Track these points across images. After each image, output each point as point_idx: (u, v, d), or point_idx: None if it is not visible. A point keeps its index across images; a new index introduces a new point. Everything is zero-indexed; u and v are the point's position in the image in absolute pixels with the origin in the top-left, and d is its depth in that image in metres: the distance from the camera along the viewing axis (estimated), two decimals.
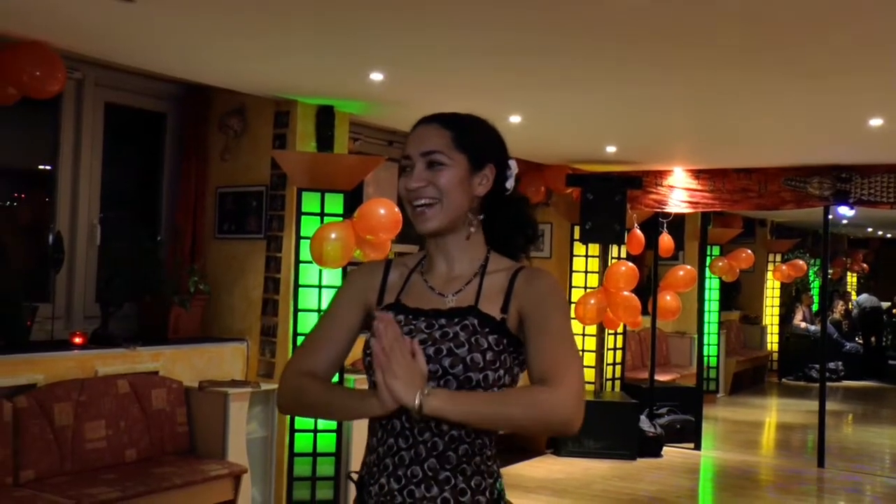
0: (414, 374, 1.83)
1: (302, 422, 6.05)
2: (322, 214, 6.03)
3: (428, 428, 1.95)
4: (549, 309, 2.01)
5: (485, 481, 1.99)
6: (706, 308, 10.45)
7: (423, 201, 2.06)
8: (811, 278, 16.52)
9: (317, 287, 6.07)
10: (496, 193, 2.13)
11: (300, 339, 6.02)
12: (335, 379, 2.20)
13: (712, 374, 12.28)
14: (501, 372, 1.99)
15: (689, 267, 9.82)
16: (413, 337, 1.98)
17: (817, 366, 12.50)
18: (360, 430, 6.23)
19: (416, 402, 1.80)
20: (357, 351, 2.25)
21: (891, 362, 15.97)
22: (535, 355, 1.97)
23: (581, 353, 9.18)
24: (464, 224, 2.11)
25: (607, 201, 8.51)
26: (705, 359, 11.09)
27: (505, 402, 1.91)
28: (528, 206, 2.21)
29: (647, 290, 9.82)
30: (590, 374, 9.29)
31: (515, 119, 6.62)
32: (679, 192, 9.11)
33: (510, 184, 2.14)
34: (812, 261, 16.06)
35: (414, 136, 2.13)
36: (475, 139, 2.10)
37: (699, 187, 9.01)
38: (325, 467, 6.11)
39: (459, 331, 1.99)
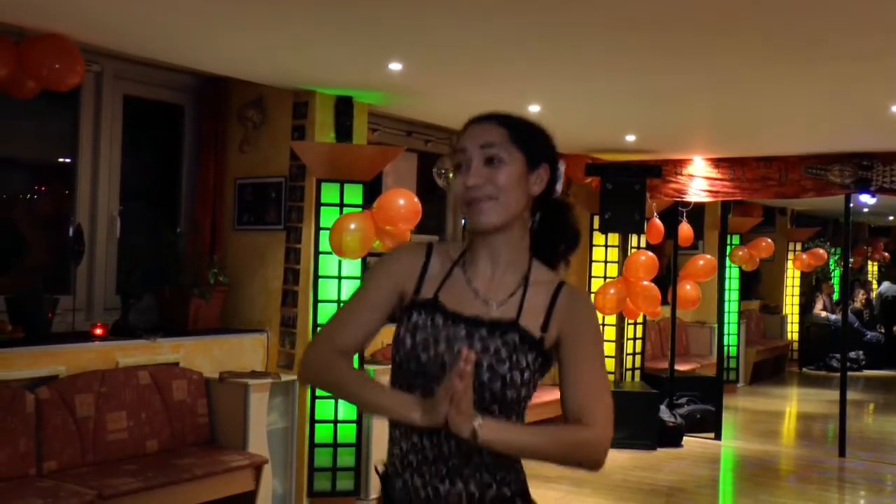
0: (470, 407, 1.83)
1: (322, 412, 6.07)
2: (341, 205, 6.03)
3: None
4: (590, 338, 2.04)
5: (509, 475, 1.99)
6: (726, 297, 10.41)
7: (480, 198, 2.00)
8: (832, 267, 16.42)
9: (336, 278, 6.07)
10: (543, 196, 2.09)
11: (320, 331, 6.02)
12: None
13: (732, 363, 12.22)
14: (531, 388, 1.99)
15: (708, 256, 9.76)
16: (452, 345, 1.96)
17: (838, 355, 12.47)
18: (380, 422, 6.23)
19: (471, 434, 1.83)
20: (376, 342, 2.26)
21: None
22: (572, 385, 2.00)
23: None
24: (519, 224, 2.06)
25: (627, 191, 8.47)
26: (725, 348, 11.02)
27: (550, 441, 1.96)
28: (573, 213, 2.17)
29: (666, 279, 9.79)
30: (610, 364, 9.27)
31: (535, 108, 6.59)
32: (699, 181, 9.06)
33: (559, 186, 2.12)
34: (832, 249, 15.96)
35: (469, 132, 2.06)
36: (530, 137, 2.06)
37: (719, 176, 8.96)
38: (346, 458, 6.12)
39: (501, 346, 1.96)
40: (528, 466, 2.07)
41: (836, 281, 16.37)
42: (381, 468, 2.11)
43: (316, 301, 6.08)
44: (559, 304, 2.03)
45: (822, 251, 14.41)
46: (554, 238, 2.12)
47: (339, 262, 6.02)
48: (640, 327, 9.52)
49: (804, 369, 14.94)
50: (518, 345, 1.96)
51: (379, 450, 5.77)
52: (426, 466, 1.95)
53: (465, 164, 2.02)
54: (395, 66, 5.48)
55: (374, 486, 6.22)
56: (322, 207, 6.05)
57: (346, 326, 2.12)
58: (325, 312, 6.04)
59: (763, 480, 7.78)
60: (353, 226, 5.65)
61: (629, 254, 8.95)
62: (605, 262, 9.24)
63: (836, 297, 15.97)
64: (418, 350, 1.97)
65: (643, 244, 9.17)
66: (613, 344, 9.33)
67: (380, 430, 6.23)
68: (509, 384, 1.93)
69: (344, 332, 2.11)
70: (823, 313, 15.69)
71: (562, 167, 2.14)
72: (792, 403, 12.57)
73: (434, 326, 1.99)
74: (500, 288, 2.05)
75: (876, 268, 19.97)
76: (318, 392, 6.06)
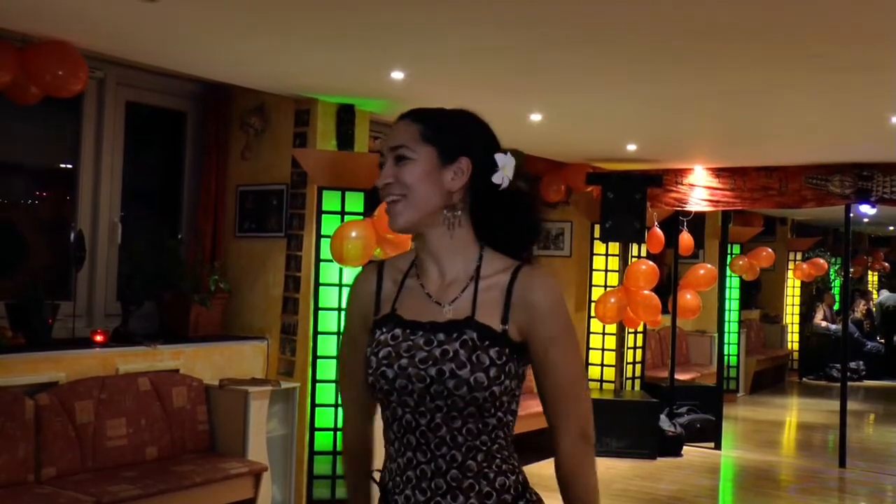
0: None
1: (322, 420, 6.06)
2: (342, 213, 6.03)
3: (444, 442, 1.91)
4: (552, 322, 1.95)
5: (508, 479, 1.95)
6: (726, 307, 10.41)
7: (391, 198, 1.99)
8: (832, 277, 16.42)
9: (337, 286, 6.07)
10: (486, 189, 2.01)
11: (320, 338, 6.03)
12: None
13: (732, 373, 12.21)
14: (507, 382, 1.92)
15: (709, 265, 9.77)
16: (413, 355, 1.92)
17: (838, 365, 12.46)
18: (379, 431, 6.22)
19: None
20: None
21: None
22: (544, 379, 1.98)
23: (601, 352, 9.19)
24: (441, 221, 2.01)
25: (627, 200, 8.48)
26: (725, 358, 11.02)
27: None
28: (527, 199, 2.06)
29: (667, 288, 9.79)
30: (609, 374, 9.27)
31: (536, 117, 6.60)
32: (699, 191, 9.07)
33: (498, 178, 2.00)
34: (833, 259, 15.96)
35: (390, 131, 2.07)
36: (446, 131, 2.00)
37: (720, 186, 8.96)
38: None
39: (459, 348, 1.90)
40: (526, 475, 2.05)
41: (836, 291, 16.37)
42: (377, 476, 2.11)
43: (317, 308, 6.07)
44: (516, 293, 1.95)
45: (822, 261, 14.41)
46: (507, 228, 2.04)
47: (340, 269, 6.02)
48: (640, 336, 9.51)
49: (804, 379, 14.93)
50: (477, 342, 1.90)
51: (379, 459, 5.77)
52: (426, 482, 1.93)
53: (383, 163, 2.03)
54: (397, 75, 5.48)
55: (373, 495, 6.20)
56: (323, 215, 6.05)
57: (349, 383, 2.22)
58: (326, 320, 6.04)
59: (763, 491, 7.78)
60: (354, 234, 5.65)
61: (630, 263, 8.94)
62: (606, 270, 9.22)
63: (836, 307, 15.96)
64: (383, 367, 1.94)
65: (644, 253, 9.16)
66: (614, 353, 9.31)
67: (380, 439, 6.21)
68: (475, 387, 1.87)
69: (354, 416, 2.35)
70: (824, 323, 15.69)
71: (500, 160, 2.00)
72: (792, 413, 12.56)
73: (394, 339, 1.96)
74: (451, 287, 2.00)
75: (876, 278, 19.98)
76: (318, 399, 6.07)
